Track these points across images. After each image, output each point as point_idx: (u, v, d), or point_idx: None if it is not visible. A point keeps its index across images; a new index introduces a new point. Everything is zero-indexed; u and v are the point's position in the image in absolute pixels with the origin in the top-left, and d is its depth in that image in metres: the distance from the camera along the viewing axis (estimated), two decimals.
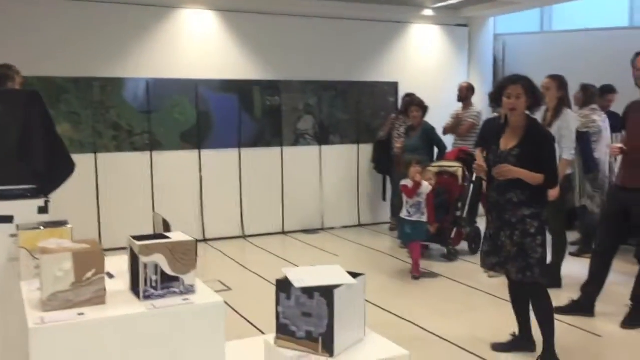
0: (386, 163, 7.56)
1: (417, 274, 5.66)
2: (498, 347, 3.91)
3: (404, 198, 5.68)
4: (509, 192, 3.55)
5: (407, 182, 5.64)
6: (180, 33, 7.08)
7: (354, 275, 2.60)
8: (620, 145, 4.43)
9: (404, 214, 5.68)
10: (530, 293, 3.67)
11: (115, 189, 6.83)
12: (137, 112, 6.89)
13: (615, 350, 3.99)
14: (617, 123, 5.56)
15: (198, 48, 7.17)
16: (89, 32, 6.61)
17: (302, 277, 2.49)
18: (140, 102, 6.90)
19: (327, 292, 2.40)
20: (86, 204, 6.66)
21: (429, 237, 6.27)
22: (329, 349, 2.41)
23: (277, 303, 2.52)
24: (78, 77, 6.58)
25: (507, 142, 3.62)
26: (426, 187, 5.65)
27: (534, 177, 3.50)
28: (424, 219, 5.65)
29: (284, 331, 2.51)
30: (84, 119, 6.65)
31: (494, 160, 3.64)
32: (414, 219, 5.61)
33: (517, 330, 3.89)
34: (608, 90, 6.25)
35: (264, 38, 7.47)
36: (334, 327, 2.39)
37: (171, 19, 7.02)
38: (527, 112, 3.62)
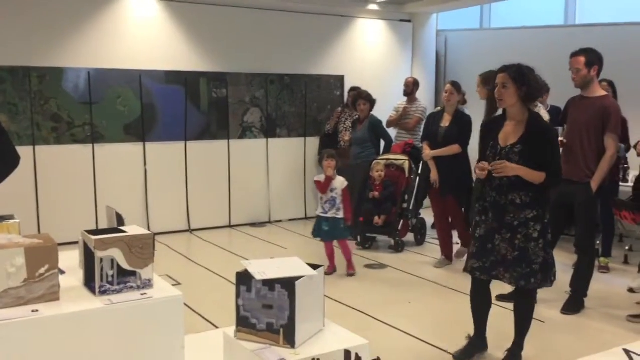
0: None
1: (352, 271, 5.55)
2: (460, 356, 3.70)
3: (319, 194, 5.46)
4: (511, 193, 3.36)
5: (319, 178, 5.42)
6: (123, 22, 6.88)
7: (313, 267, 2.63)
8: (561, 138, 4.63)
9: (319, 211, 5.45)
10: (524, 295, 3.55)
11: (55, 183, 6.59)
12: (77, 103, 6.67)
13: (557, 334, 4.17)
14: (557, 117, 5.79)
15: (142, 38, 7.00)
16: (27, 20, 6.34)
17: (263, 269, 2.49)
18: (81, 93, 6.68)
19: (288, 284, 2.41)
20: (24, 199, 6.41)
21: (376, 229, 6.39)
22: (290, 340, 2.42)
23: (238, 296, 2.51)
24: (15, 66, 6.30)
25: (507, 138, 3.42)
26: (341, 182, 5.36)
27: (534, 175, 3.31)
28: (340, 214, 5.36)
29: (244, 324, 2.51)
30: (21, 110, 6.39)
31: (493, 158, 3.42)
32: (329, 215, 5.36)
33: (472, 332, 3.76)
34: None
35: (211, 29, 7.37)
36: (295, 319, 2.40)
37: (114, 7, 6.81)
38: (526, 106, 3.41)
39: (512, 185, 3.36)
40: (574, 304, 4.57)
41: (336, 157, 5.41)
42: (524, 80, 3.33)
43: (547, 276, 3.42)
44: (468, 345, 3.74)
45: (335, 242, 5.58)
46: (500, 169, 3.31)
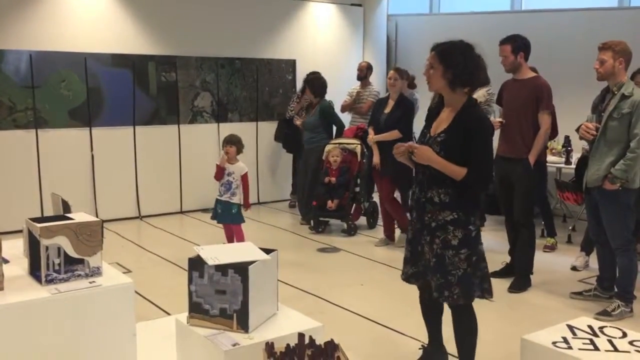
0: (293, 142, 7.57)
1: None
2: None
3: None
4: (430, 190, 2.92)
5: (221, 162, 5.35)
6: (67, 2, 6.64)
7: (267, 251, 2.62)
8: (500, 119, 4.83)
9: (217, 194, 5.41)
10: (452, 312, 3.05)
11: None
12: (19, 87, 6.41)
13: (502, 312, 4.29)
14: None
15: (87, 19, 6.77)
16: None
17: (215, 255, 2.48)
18: (22, 76, 6.42)
19: (241, 269, 2.41)
20: None
21: (329, 213, 6.44)
22: (243, 324, 2.42)
23: (190, 282, 2.50)
24: None
25: (438, 126, 2.99)
26: (240, 168, 5.30)
27: (452, 171, 2.83)
28: (235, 200, 5.27)
29: (197, 310, 2.49)
30: None
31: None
32: (223, 198, 5.30)
33: (426, 341, 3.37)
34: None
35: (159, 11, 7.19)
36: (248, 303, 2.40)
37: None
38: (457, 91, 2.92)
39: (432, 180, 2.91)
40: (520, 282, 4.73)
41: (237, 143, 5.34)
42: (450, 62, 2.85)
43: (468, 291, 2.91)
44: (421, 357, 3.31)
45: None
46: (417, 153, 2.90)
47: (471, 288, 2.94)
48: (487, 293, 3.03)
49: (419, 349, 3.37)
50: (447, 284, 2.91)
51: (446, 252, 2.89)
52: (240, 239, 5.28)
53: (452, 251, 2.88)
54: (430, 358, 3.30)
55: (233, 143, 5.31)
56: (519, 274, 4.77)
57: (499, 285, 4.75)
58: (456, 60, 2.86)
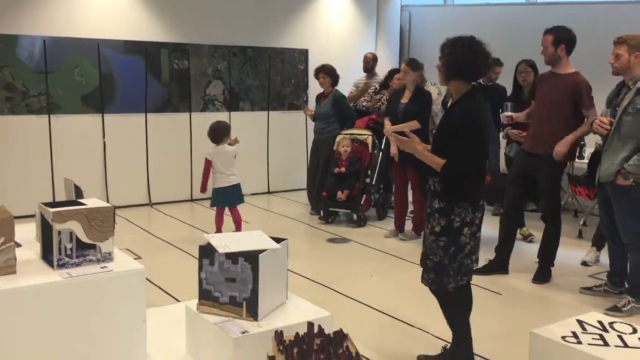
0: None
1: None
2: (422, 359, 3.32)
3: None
4: (431, 178, 3.08)
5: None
6: None
7: (277, 240, 2.63)
8: (509, 113, 4.79)
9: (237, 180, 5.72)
10: (437, 296, 3.16)
11: (10, 154, 6.40)
12: (33, 72, 6.45)
13: (512, 306, 4.28)
14: (500, 95, 5.92)
15: (100, 5, 6.78)
16: None
17: (226, 243, 2.48)
18: (36, 62, 6.45)
19: (251, 257, 2.41)
20: None
21: (339, 204, 6.44)
22: (253, 313, 2.43)
23: (200, 269, 2.51)
24: None
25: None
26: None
27: (433, 162, 3.01)
28: None
29: (206, 297, 2.50)
30: None
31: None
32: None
33: (436, 334, 3.48)
34: (496, 63, 6.55)
35: None
36: (258, 292, 2.41)
37: None
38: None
39: (431, 170, 3.06)
40: (544, 273, 4.74)
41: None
42: (441, 55, 3.05)
43: (440, 279, 3.02)
44: (438, 355, 3.26)
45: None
46: (401, 144, 3.17)
47: (444, 277, 3.03)
48: (457, 286, 3.04)
49: (441, 347, 3.30)
50: (426, 267, 3.09)
51: (429, 237, 3.05)
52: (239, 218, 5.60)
53: (433, 237, 3.02)
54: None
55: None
56: (543, 266, 4.77)
57: (506, 280, 4.75)
58: (444, 53, 3.02)
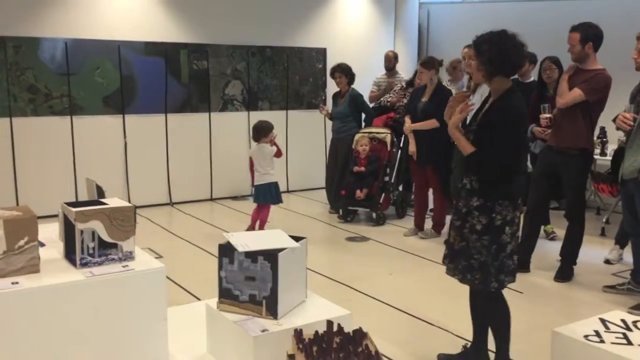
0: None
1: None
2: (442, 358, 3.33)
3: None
4: (466, 176, 3.03)
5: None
6: None
7: (296, 239, 2.63)
8: (547, 115, 4.76)
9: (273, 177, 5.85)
10: (480, 297, 3.12)
11: (33, 155, 6.50)
12: (55, 74, 6.54)
13: (535, 304, 4.24)
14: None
15: (121, 7, 6.85)
16: None
17: (245, 241, 2.49)
18: (58, 64, 6.54)
19: (271, 256, 2.42)
20: (1, 172, 6.32)
21: (357, 203, 6.44)
22: (272, 311, 2.44)
23: (220, 268, 2.52)
24: None
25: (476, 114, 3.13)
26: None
27: (463, 146, 2.97)
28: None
29: (226, 295, 2.52)
30: None
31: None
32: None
33: (455, 332, 3.48)
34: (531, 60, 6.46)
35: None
36: (277, 290, 2.42)
37: None
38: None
39: (466, 168, 3.04)
40: (566, 272, 4.70)
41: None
42: (478, 53, 2.96)
43: (486, 279, 2.96)
44: (458, 354, 3.28)
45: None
46: (451, 118, 3.04)
47: (489, 277, 2.96)
48: (500, 284, 3.00)
49: (462, 346, 3.31)
50: (469, 267, 2.98)
51: (471, 236, 2.97)
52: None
53: (475, 236, 2.95)
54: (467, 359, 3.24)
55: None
56: (565, 264, 4.73)
57: (528, 278, 4.71)
58: (483, 50, 2.92)
